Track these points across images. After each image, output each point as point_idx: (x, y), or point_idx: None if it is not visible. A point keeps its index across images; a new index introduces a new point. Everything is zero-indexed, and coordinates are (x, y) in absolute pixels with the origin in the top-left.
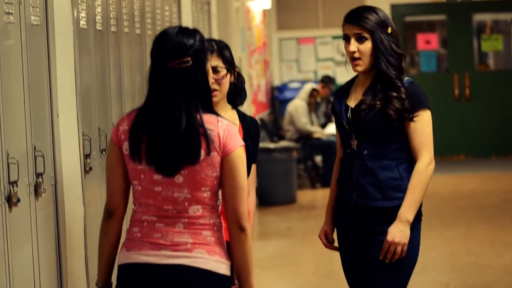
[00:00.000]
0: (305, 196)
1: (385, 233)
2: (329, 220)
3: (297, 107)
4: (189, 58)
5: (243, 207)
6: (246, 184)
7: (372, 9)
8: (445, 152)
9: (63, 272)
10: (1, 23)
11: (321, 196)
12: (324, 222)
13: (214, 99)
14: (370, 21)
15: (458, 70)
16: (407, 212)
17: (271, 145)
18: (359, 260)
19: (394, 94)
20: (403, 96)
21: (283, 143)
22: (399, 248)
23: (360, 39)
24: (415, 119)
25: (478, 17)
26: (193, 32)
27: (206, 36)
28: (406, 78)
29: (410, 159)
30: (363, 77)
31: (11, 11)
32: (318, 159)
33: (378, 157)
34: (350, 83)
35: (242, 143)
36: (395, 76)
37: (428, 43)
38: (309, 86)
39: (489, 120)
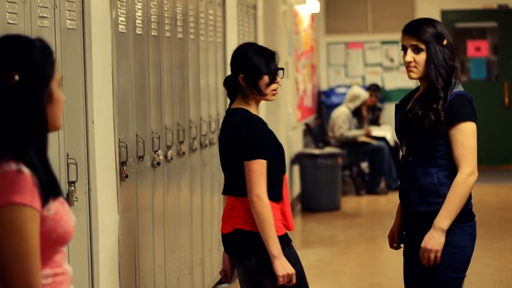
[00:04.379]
0: (350, 203)
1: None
2: (397, 222)
3: (340, 114)
4: (14, 73)
5: None
6: (14, 265)
7: (430, 21)
8: (493, 161)
9: (95, 282)
10: (35, 27)
11: (365, 204)
12: (393, 224)
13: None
14: (427, 33)
15: (509, 78)
16: (442, 220)
17: (316, 151)
18: (412, 264)
19: (434, 105)
20: (440, 108)
21: (328, 149)
22: (432, 255)
23: (417, 50)
24: (455, 131)
25: None
26: (31, 41)
27: (251, 40)
28: (457, 90)
29: (452, 167)
30: (421, 86)
31: (45, 15)
32: (364, 165)
33: (422, 164)
34: (413, 92)
35: (13, 200)
36: (441, 87)
37: (478, 50)
38: (362, 96)
39: None
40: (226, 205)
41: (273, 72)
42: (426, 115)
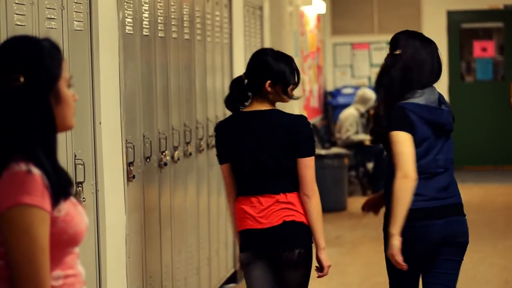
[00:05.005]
0: (356, 203)
1: None
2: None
3: (348, 117)
4: (19, 75)
5: None
6: (23, 266)
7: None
8: (499, 161)
9: (102, 282)
10: (42, 29)
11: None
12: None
13: None
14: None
15: None
16: (391, 226)
17: (322, 152)
18: None
19: (378, 112)
20: (381, 114)
21: (334, 150)
22: (393, 260)
23: None
24: (389, 140)
25: None
26: (37, 41)
27: (258, 41)
28: (404, 102)
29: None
30: None
31: (53, 17)
32: (370, 165)
33: (388, 170)
34: None
35: (22, 201)
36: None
37: (484, 50)
38: (372, 100)
39: None
40: (261, 202)
41: (298, 78)
42: (374, 123)
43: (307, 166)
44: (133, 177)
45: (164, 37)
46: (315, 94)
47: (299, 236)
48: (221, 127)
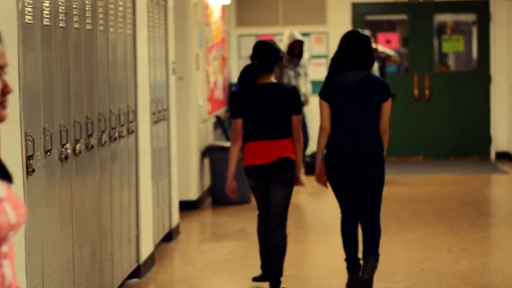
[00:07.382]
0: None
1: None
2: None
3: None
4: None
5: None
6: None
7: None
8: (403, 153)
9: None
10: None
11: None
12: None
13: None
14: None
15: (418, 71)
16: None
17: (227, 144)
18: None
19: None
20: None
21: None
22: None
23: None
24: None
25: (439, 18)
26: None
27: (162, 32)
28: (334, 77)
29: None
30: None
31: None
32: None
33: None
34: None
35: None
36: None
37: (388, 42)
38: (293, 36)
39: (448, 121)
40: (264, 146)
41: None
42: None
43: (298, 120)
44: (33, 171)
45: (65, 27)
46: (220, 86)
47: (288, 167)
48: (236, 94)
